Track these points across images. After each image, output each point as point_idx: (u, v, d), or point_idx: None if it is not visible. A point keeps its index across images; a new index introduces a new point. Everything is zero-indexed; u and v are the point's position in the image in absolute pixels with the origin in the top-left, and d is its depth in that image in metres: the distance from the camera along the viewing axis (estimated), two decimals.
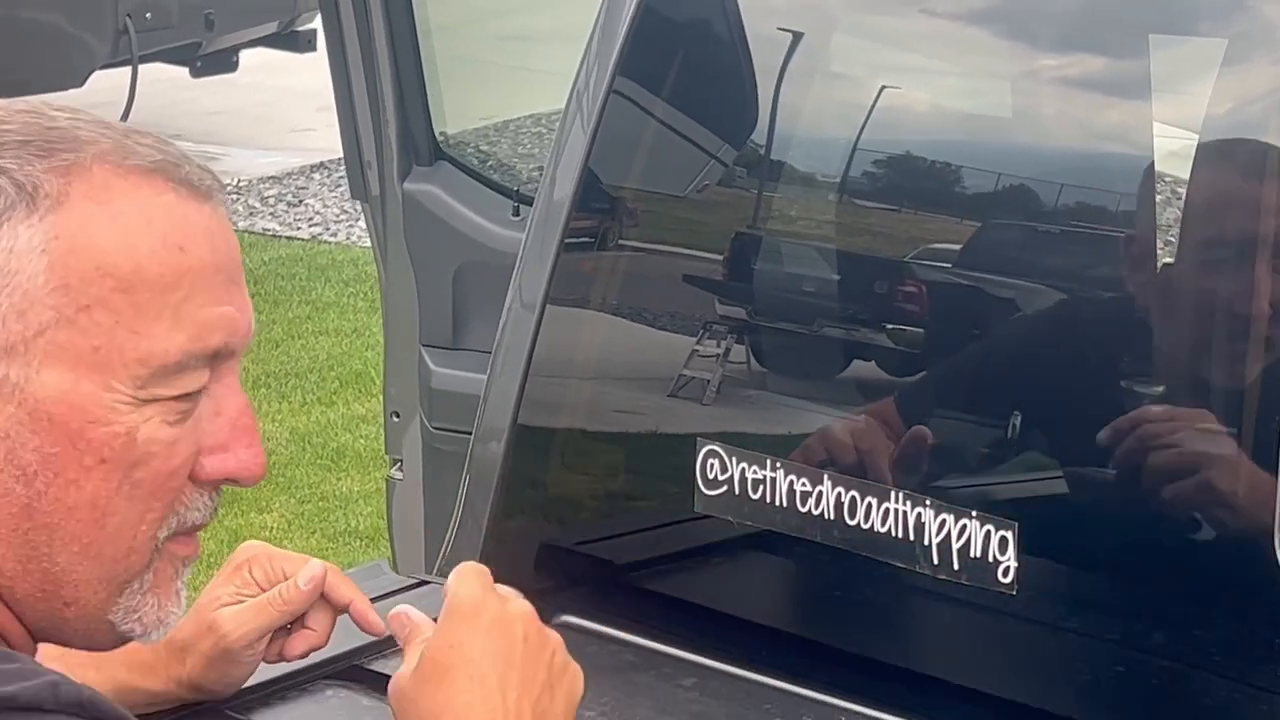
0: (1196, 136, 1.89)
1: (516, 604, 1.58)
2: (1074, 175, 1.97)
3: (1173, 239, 1.89)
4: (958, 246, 2.02)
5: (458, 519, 2.27)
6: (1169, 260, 1.90)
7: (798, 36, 2.16)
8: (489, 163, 4.05)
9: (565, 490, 2.30)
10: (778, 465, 1.96)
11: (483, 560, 2.18)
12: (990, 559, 1.84)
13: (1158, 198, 1.90)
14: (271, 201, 9.01)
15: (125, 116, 7.78)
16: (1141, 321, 1.91)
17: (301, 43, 9.20)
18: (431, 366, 3.64)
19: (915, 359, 2.04)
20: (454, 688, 1.51)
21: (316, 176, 9.33)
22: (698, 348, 2.13)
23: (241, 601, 1.81)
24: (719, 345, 2.12)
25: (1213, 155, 1.88)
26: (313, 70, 6.85)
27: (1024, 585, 1.83)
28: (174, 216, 1.37)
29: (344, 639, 1.89)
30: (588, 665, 1.59)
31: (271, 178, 9.34)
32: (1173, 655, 1.84)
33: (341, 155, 3.86)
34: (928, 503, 1.88)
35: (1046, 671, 1.93)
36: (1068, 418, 1.91)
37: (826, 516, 1.93)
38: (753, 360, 2.14)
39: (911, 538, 1.88)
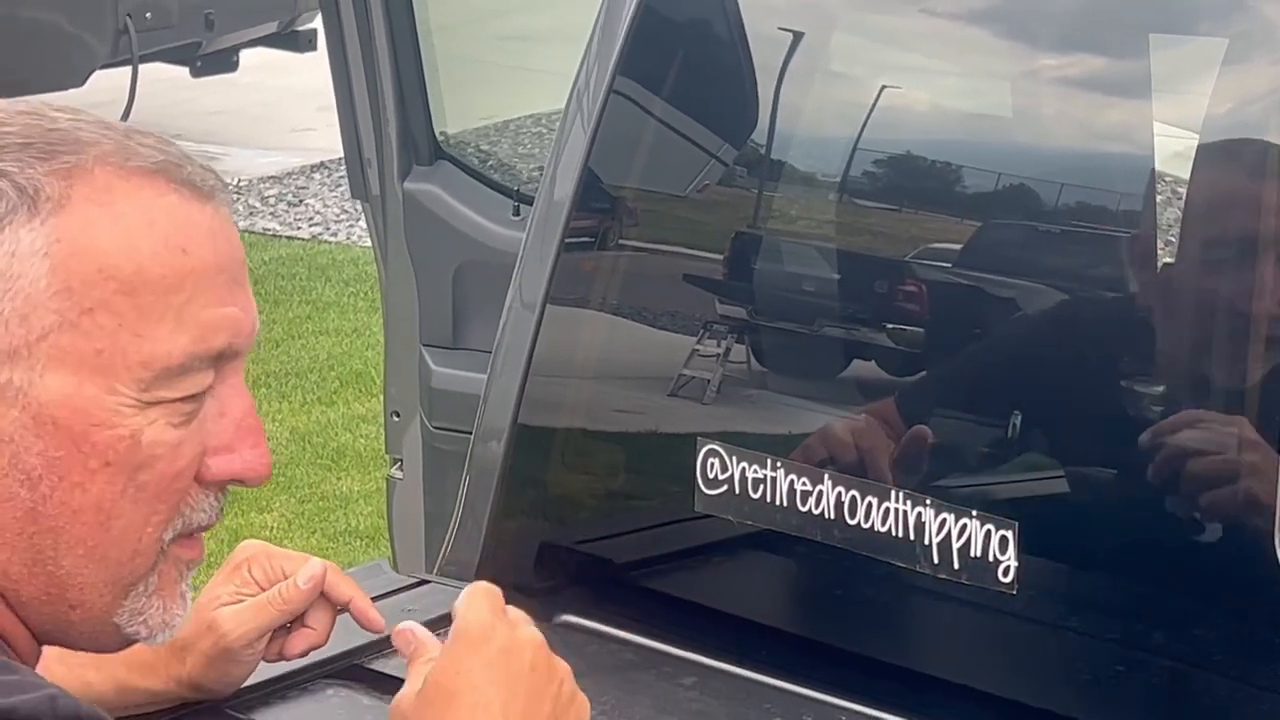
0: (1197, 136, 1.89)
1: (526, 631, 1.54)
2: (1074, 175, 1.97)
3: (1173, 239, 1.89)
4: (958, 246, 2.02)
5: (458, 518, 2.27)
6: (1169, 260, 1.90)
7: (798, 36, 2.16)
8: (489, 162, 4.05)
9: (565, 490, 2.30)
10: (778, 465, 1.96)
11: (483, 560, 2.19)
12: (990, 558, 1.84)
13: (1158, 198, 1.90)
14: (272, 201, 9.01)
15: (125, 116, 7.78)
16: (1141, 321, 1.91)
17: (302, 42, 9.20)
18: (432, 366, 3.64)
19: (915, 358, 2.04)
20: (457, 715, 1.48)
21: (317, 176, 9.33)
22: (698, 347, 2.13)
23: (241, 600, 1.81)
24: (719, 345, 2.12)
25: (1213, 155, 1.88)
26: (313, 70, 6.85)
27: (1024, 585, 1.83)
28: (176, 218, 1.37)
29: (344, 638, 1.89)
30: (588, 664, 1.59)
31: (272, 177, 9.34)
32: (1173, 655, 1.84)
33: (342, 155, 3.86)
34: (928, 502, 1.88)
35: (1047, 671, 1.93)
36: (1068, 417, 1.91)
37: (827, 516, 1.93)
38: (753, 360, 2.14)
39: (912, 537, 1.88)
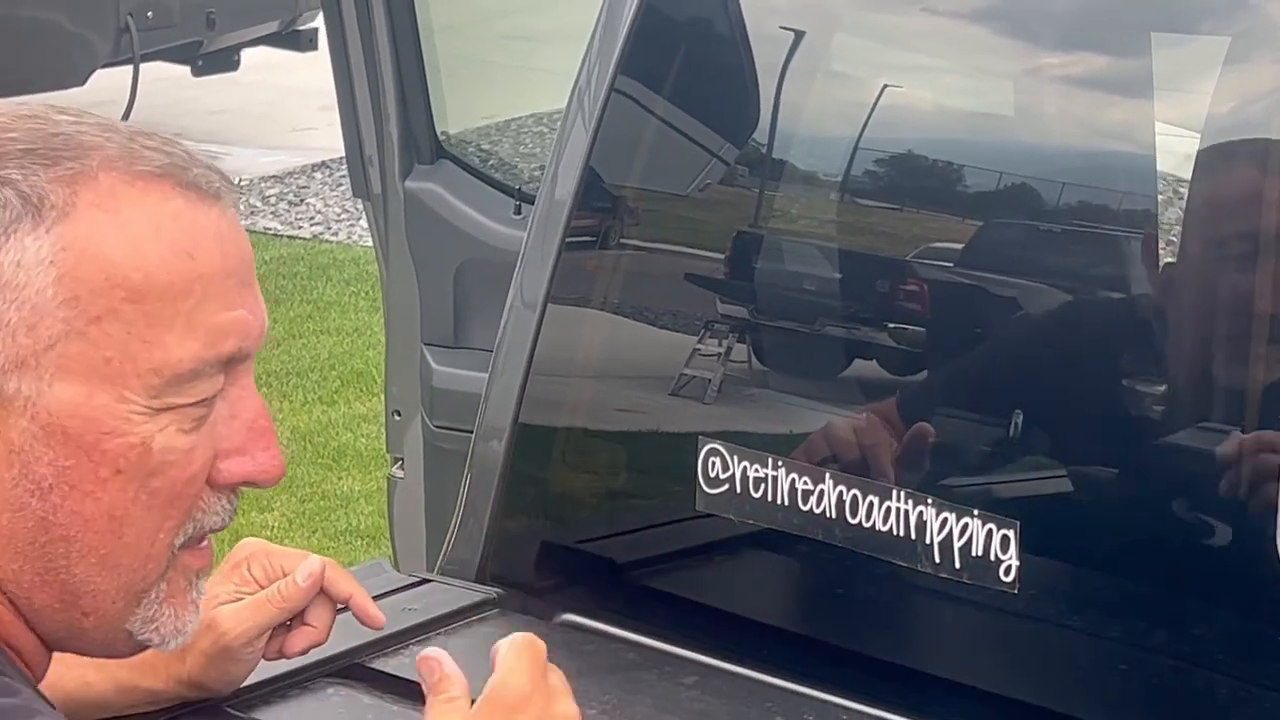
0: (1199, 135, 1.89)
1: (563, 706, 1.48)
2: (1076, 174, 1.97)
3: (1174, 238, 1.89)
4: (959, 245, 2.02)
5: (459, 518, 2.27)
6: (1170, 260, 1.90)
7: (799, 35, 2.16)
8: (491, 161, 4.04)
9: (567, 489, 2.29)
10: (779, 464, 1.96)
11: (483, 559, 2.19)
12: (992, 558, 1.84)
13: (1160, 197, 1.90)
14: (273, 200, 9.02)
15: (127, 116, 7.78)
16: (1143, 321, 1.90)
17: (303, 41, 9.21)
18: (433, 365, 3.64)
19: (917, 358, 2.04)
20: None
21: (318, 175, 9.33)
22: (699, 346, 2.13)
23: (240, 599, 1.80)
24: (720, 344, 2.12)
25: (1215, 154, 1.87)
26: (314, 69, 6.86)
27: (1025, 584, 1.83)
28: (183, 222, 1.36)
29: (344, 636, 1.89)
30: (589, 664, 1.59)
31: (273, 176, 9.34)
32: (1174, 654, 1.84)
33: (343, 154, 3.86)
34: (929, 501, 1.87)
35: (1048, 670, 1.92)
36: (1068, 417, 1.91)
37: (828, 515, 1.93)
38: (754, 359, 2.14)
39: (913, 536, 1.88)
